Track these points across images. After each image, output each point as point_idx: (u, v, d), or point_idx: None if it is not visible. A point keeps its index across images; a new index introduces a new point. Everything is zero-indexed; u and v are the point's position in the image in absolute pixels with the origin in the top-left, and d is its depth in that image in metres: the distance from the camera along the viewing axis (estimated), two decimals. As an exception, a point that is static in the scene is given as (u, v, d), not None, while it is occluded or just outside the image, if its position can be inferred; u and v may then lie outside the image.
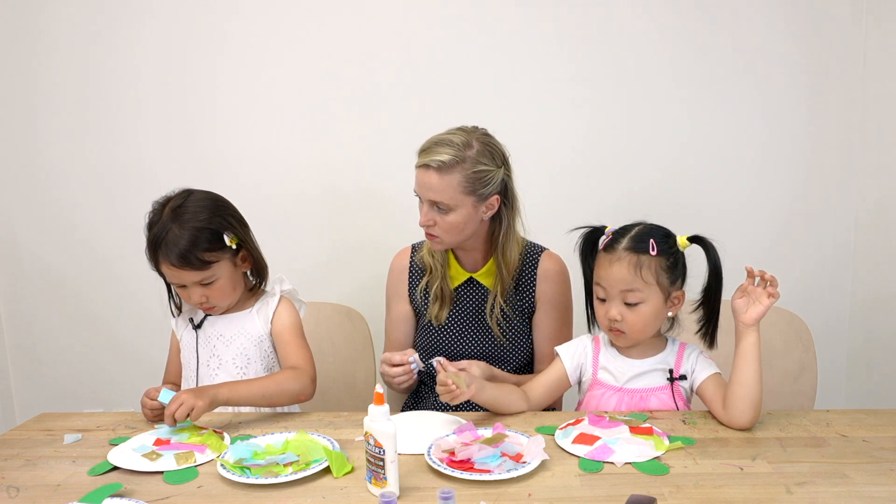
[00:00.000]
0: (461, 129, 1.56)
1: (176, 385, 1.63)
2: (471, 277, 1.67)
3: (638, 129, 2.17)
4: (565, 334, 1.68)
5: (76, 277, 2.32)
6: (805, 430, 1.30)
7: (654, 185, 2.19)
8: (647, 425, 1.30)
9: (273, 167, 2.21)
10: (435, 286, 1.67)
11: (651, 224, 1.42)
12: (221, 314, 1.57)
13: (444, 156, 1.49)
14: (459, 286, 1.68)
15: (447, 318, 1.68)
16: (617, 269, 1.35)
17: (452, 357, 1.64)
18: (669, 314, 1.41)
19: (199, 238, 1.43)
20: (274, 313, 1.57)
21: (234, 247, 1.48)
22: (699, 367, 1.41)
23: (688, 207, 2.18)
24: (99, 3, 2.16)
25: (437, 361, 1.44)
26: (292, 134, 2.20)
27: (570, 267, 1.66)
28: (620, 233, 1.40)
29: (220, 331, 1.56)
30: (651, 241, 1.35)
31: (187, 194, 1.48)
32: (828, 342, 2.11)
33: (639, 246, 1.35)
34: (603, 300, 1.40)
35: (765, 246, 2.21)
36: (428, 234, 1.59)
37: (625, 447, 1.21)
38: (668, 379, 1.42)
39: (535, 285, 1.66)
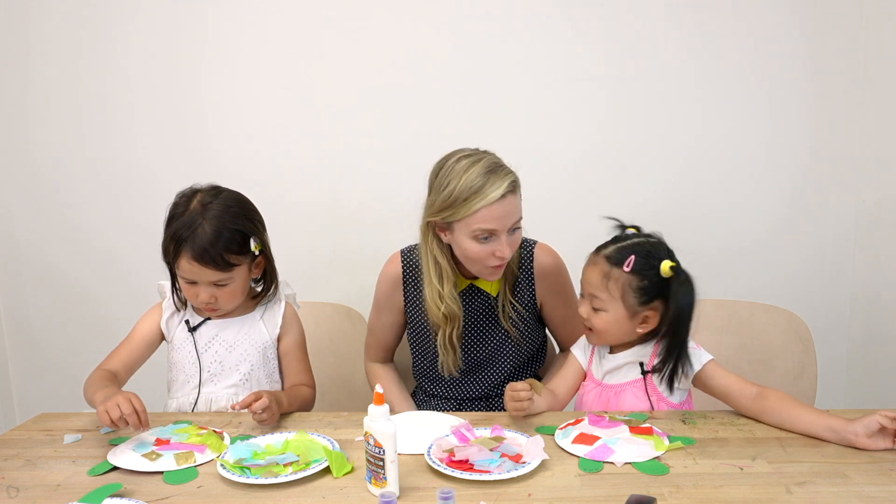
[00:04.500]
0: (478, 151, 1.51)
1: (118, 376, 1.49)
2: (471, 284, 1.63)
3: (640, 128, 2.17)
4: (575, 312, 1.63)
5: (77, 277, 2.32)
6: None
7: (654, 183, 2.19)
8: (646, 425, 1.29)
9: (273, 168, 2.21)
10: (457, 331, 1.57)
11: (648, 240, 1.41)
12: (221, 317, 1.55)
13: (511, 175, 1.46)
14: (461, 293, 1.62)
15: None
16: (590, 272, 1.40)
17: (466, 365, 1.64)
18: (639, 331, 1.41)
19: (228, 239, 1.41)
20: (282, 321, 1.56)
21: (256, 252, 1.47)
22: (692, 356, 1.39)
23: (688, 205, 2.19)
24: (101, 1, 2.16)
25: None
26: (293, 135, 2.20)
27: (568, 258, 1.68)
28: (616, 238, 1.41)
29: (223, 336, 1.54)
30: (631, 257, 1.36)
31: (217, 191, 1.46)
32: (828, 342, 2.11)
33: (616, 258, 1.37)
34: (581, 295, 1.45)
35: (765, 244, 2.21)
36: (497, 267, 1.50)
37: (624, 447, 1.21)
38: (640, 372, 1.42)
39: (533, 282, 1.64)
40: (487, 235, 1.45)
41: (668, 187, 2.19)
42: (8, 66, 2.22)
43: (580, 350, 1.53)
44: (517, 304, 1.62)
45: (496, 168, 1.45)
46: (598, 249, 1.42)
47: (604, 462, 1.18)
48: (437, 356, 1.62)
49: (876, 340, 2.19)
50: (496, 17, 2.12)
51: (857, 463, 1.16)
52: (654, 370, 1.40)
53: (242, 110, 2.20)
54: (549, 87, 2.15)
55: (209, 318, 1.55)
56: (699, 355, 1.40)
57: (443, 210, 1.47)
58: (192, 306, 1.56)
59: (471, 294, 1.63)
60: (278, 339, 1.58)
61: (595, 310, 1.40)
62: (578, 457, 1.21)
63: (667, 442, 1.24)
